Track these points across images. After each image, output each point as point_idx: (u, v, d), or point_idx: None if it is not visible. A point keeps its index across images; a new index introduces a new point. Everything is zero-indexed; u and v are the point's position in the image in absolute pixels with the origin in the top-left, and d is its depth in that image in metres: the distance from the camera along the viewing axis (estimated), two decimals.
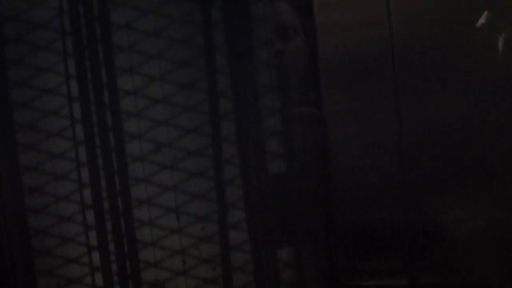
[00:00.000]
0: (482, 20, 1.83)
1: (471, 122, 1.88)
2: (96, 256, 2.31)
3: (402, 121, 1.90)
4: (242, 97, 2.19)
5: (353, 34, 1.90)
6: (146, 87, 2.30)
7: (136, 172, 2.32)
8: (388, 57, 1.89)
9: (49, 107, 2.32)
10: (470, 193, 1.91)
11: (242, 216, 2.27)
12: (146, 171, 2.32)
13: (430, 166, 1.91)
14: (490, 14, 1.83)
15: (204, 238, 2.33)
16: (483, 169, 1.89)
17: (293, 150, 2.20)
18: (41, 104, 2.33)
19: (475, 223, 1.91)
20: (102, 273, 2.30)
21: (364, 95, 1.92)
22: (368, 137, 1.92)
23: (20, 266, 2.32)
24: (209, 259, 2.33)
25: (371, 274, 1.96)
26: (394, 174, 1.91)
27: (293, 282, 2.25)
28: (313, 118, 2.01)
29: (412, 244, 1.95)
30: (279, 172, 2.22)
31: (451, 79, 1.88)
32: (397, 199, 1.93)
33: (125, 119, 2.29)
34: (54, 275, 2.37)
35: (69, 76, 2.28)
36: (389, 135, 1.91)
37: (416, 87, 1.89)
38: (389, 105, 1.90)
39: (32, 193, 2.34)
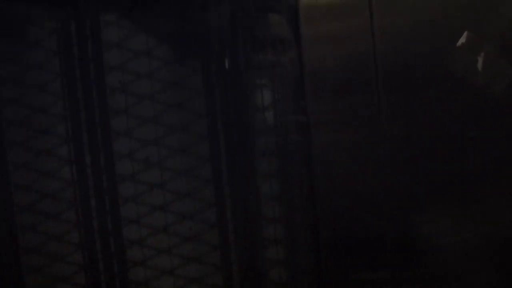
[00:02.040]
0: (462, 40, 1.87)
1: (452, 137, 1.93)
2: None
3: (385, 133, 1.95)
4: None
5: (337, 47, 1.95)
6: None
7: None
8: (371, 70, 1.93)
9: (40, 126, 2.34)
10: (455, 205, 1.97)
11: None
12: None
13: (416, 177, 1.96)
14: (470, 34, 1.87)
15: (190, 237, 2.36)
16: (464, 183, 1.94)
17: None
18: (33, 123, 2.34)
19: (462, 235, 1.97)
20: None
21: (348, 106, 1.96)
22: (353, 148, 1.97)
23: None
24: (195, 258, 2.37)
25: (357, 284, 2.00)
26: (380, 185, 1.96)
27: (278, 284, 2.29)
28: (299, 127, 2.05)
29: (399, 255, 1.99)
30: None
31: (432, 94, 1.93)
32: (384, 210, 1.97)
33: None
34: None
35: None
36: (373, 146, 1.96)
37: (398, 100, 1.94)
38: (372, 117, 1.95)
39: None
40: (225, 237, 2.31)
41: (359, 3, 1.89)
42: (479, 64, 1.88)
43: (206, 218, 2.32)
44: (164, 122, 2.30)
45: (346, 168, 1.98)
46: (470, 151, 1.91)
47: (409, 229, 1.98)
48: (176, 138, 2.31)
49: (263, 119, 2.22)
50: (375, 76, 1.93)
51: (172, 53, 2.29)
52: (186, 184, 2.31)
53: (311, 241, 2.10)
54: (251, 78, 2.20)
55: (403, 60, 1.93)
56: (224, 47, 2.19)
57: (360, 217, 1.99)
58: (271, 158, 2.23)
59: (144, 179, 2.33)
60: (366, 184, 1.96)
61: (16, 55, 2.31)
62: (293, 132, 2.12)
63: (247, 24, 2.12)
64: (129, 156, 2.32)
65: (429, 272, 1.98)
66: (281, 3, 2.02)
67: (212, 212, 2.31)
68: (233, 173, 2.26)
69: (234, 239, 2.30)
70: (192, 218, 2.34)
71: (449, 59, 1.90)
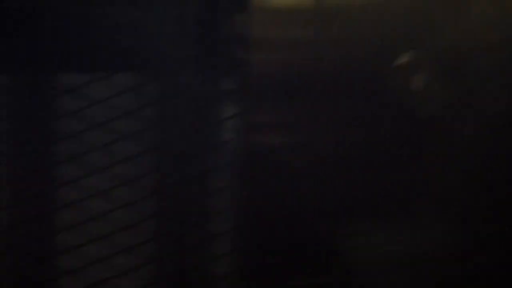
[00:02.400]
0: (402, 58, 1.95)
1: (387, 153, 1.99)
2: None
3: (326, 140, 2.00)
4: None
5: (286, 52, 2.01)
6: None
7: None
8: (317, 77, 1.99)
9: None
10: (399, 216, 2.01)
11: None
12: None
13: (359, 186, 2.01)
14: (410, 53, 1.95)
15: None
16: (403, 196, 1.99)
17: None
18: None
19: (405, 245, 2.00)
20: None
21: (291, 111, 2.02)
22: (295, 151, 2.01)
23: None
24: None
25: None
26: (322, 189, 2.00)
27: None
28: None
29: (341, 261, 2.02)
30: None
31: (371, 107, 1.98)
32: (327, 215, 2.01)
33: None
34: None
35: None
36: (316, 151, 2.00)
37: (341, 110, 2.00)
38: (313, 124, 2.00)
39: None
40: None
41: (307, 11, 1.97)
42: (416, 83, 1.95)
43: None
44: (115, 130, 2.33)
45: (287, 171, 2.02)
46: (404, 168, 1.96)
47: (354, 236, 2.01)
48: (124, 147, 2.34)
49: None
50: (320, 82, 1.98)
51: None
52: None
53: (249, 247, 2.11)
54: (204, 83, 2.25)
55: (348, 72, 1.99)
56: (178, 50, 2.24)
57: (302, 223, 2.02)
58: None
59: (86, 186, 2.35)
60: (310, 188, 2.00)
61: None
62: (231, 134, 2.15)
63: (202, 25, 2.18)
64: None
65: (354, 281, 2.01)
66: (236, 5, 2.08)
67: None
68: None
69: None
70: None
71: (387, 74, 1.97)
